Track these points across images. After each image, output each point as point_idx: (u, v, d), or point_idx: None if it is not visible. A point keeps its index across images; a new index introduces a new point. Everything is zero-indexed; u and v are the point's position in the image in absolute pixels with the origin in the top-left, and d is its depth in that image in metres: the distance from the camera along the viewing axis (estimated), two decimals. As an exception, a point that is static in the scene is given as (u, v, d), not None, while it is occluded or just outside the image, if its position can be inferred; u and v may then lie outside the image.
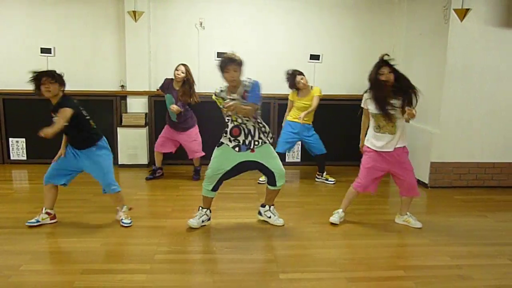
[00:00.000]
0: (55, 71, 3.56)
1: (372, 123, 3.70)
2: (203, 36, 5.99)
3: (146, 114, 5.87)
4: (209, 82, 5.54)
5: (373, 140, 3.69)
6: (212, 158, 3.65)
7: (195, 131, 5.15)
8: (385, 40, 6.12)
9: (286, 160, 6.05)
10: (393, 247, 3.43)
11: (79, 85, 5.89)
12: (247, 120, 3.51)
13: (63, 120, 3.34)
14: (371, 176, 3.74)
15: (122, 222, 3.72)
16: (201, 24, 5.93)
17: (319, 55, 6.09)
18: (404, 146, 3.72)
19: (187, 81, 5.00)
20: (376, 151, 3.68)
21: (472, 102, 4.97)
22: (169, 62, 5.97)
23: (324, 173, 5.37)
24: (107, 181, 3.67)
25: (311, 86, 5.18)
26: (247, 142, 3.52)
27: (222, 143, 3.60)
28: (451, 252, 3.33)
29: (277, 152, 5.02)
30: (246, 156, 3.57)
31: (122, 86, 5.95)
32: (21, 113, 5.86)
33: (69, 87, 5.88)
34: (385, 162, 3.70)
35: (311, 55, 6.08)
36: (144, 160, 5.87)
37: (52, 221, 3.76)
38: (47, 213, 3.72)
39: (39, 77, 3.45)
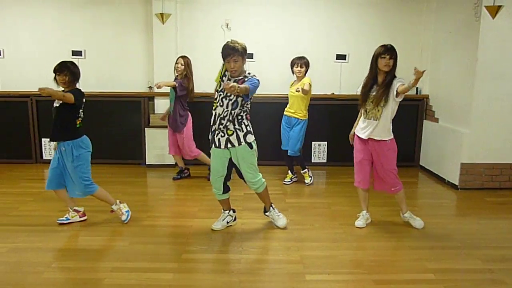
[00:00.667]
0: (69, 64, 3.65)
1: (362, 110, 3.73)
2: (229, 37, 5.98)
3: (173, 114, 5.95)
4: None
5: (360, 124, 3.73)
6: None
7: (186, 132, 5.15)
8: (413, 38, 6.02)
9: (312, 161, 6.02)
10: (422, 250, 3.36)
11: (108, 86, 6.04)
12: (225, 115, 3.42)
13: (63, 96, 3.43)
14: (363, 169, 3.74)
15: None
16: (227, 25, 5.97)
17: (345, 55, 6.03)
18: (388, 142, 3.65)
19: (186, 75, 5.04)
20: (360, 138, 3.69)
21: (504, 100, 4.82)
22: (195, 63, 6.03)
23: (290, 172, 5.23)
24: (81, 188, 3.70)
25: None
26: (218, 134, 3.46)
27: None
28: (482, 256, 3.24)
29: (285, 150, 5.03)
30: (227, 153, 3.52)
31: (150, 87, 6.05)
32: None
33: (98, 88, 6.11)
34: (368, 151, 3.69)
35: (337, 55, 6.03)
36: (171, 160, 5.94)
37: (82, 218, 3.85)
38: (74, 210, 3.82)
39: (54, 69, 3.59)
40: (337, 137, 5.99)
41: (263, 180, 3.65)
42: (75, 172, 3.60)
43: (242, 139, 3.44)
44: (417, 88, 6.06)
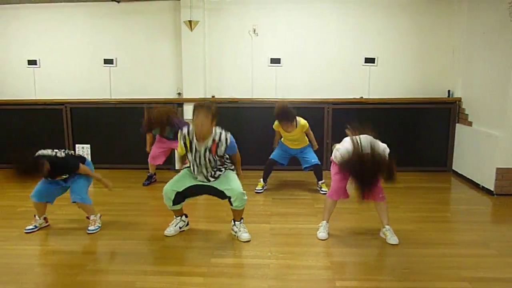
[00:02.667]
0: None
1: None
2: (257, 43, 6.06)
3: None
4: (262, 88, 5.62)
5: None
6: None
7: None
8: (444, 40, 5.89)
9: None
10: (456, 257, 3.26)
11: (139, 93, 6.17)
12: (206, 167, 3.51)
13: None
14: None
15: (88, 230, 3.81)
16: (254, 31, 6.01)
17: (374, 58, 5.96)
18: None
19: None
20: None
21: (542, 103, 4.65)
22: (223, 69, 6.11)
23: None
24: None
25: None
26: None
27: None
28: (521, 264, 3.12)
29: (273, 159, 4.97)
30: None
31: (179, 93, 6.15)
32: (86, 121, 6.22)
33: (129, 95, 6.25)
34: None
35: (365, 58, 5.97)
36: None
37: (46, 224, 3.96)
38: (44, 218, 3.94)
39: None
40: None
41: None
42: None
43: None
44: (449, 91, 5.93)
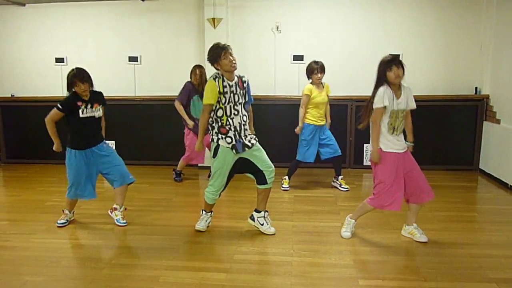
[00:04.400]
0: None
1: (385, 125, 3.34)
2: (280, 40, 6.04)
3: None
4: (284, 85, 5.61)
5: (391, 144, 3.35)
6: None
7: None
8: (472, 36, 5.75)
9: (364, 164, 5.89)
10: (483, 258, 3.19)
11: (162, 91, 6.23)
12: (246, 120, 3.54)
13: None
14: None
15: (118, 221, 3.90)
16: (277, 28, 5.99)
17: (398, 55, 5.84)
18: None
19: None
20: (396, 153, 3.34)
21: None
22: (246, 66, 6.10)
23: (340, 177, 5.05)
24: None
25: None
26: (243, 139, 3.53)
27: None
28: (552, 266, 3.03)
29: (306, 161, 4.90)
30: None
31: (202, 90, 6.18)
32: (112, 118, 6.30)
33: (153, 92, 6.33)
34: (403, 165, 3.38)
35: (390, 55, 5.85)
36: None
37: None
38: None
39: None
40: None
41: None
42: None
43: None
44: (476, 88, 5.79)
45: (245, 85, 3.53)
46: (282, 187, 4.98)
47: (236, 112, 3.44)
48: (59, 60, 6.44)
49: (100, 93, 3.88)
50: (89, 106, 3.74)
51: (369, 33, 5.91)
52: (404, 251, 3.34)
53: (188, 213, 4.12)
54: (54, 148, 3.80)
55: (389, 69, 3.30)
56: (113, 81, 6.38)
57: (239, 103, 3.46)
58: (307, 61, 5.92)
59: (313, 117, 4.78)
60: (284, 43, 6.02)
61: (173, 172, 5.52)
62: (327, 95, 4.82)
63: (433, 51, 5.86)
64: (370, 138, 3.37)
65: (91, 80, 3.76)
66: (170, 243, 3.54)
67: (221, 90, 3.36)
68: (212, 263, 3.15)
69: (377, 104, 3.28)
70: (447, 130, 5.82)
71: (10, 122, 6.53)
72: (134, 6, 6.20)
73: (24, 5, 6.36)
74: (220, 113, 3.42)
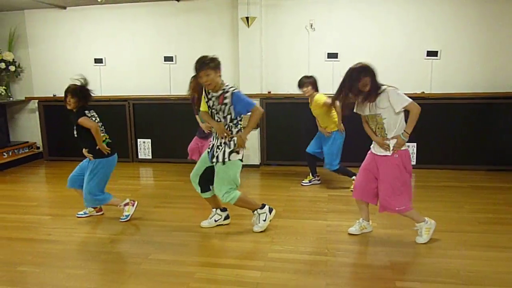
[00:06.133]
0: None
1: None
2: (314, 38, 5.99)
3: (257, 116, 6.06)
4: (319, 83, 5.52)
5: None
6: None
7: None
8: (515, 32, 5.52)
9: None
10: (528, 262, 3.07)
11: (197, 90, 6.30)
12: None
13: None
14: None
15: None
16: (311, 25, 5.95)
17: (437, 51, 5.71)
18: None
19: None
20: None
21: None
22: (279, 65, 6.11)
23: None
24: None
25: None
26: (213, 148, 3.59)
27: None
28: None
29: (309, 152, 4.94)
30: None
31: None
32: (148, 116, 6.47)
33: (185, 91, 6.40)
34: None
35: (427, 51, 5.72)
36: (256, 161, 6.06)
37: (99, 213, 4.20)
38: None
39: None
40: (427, 138, 5.70)
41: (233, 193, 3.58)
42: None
43: (226, 157, 3.51)
44: (520, 85, 5.55)
45: (226, 101, 3.44)
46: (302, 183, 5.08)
47: (217, 119, 3.53)
48: (98, 60, 6.63)
49: (75, 113, 3.87)
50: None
51: (406, 29, 5.77)
52: (442, 253, 3.25)
53: (222, 211, 4.17)
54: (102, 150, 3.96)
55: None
56: (149, 81, 6.52)
57: (217, 116, 3.50)
58: (341, 59, 5.87)
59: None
60: (318, 41, 5.97)
61: None
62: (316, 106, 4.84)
63: (473, 48, 5.66)
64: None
65: (76, 95, 3.80)
66: (205, 240, 3.59)
67: (205, 96, 3.55)
68: (247, 260, 3.17)
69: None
70: (488, 129, 5.61)
71: (52, 121, 6.79)
72: (170, 6, 6.30)
73: (64, 8, 6.59)
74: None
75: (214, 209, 3.89)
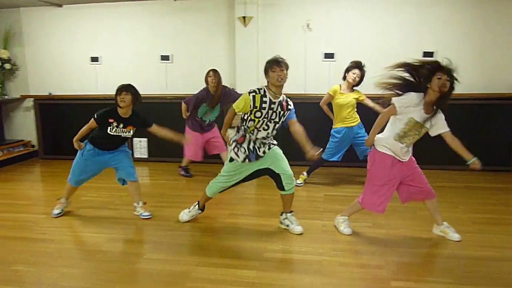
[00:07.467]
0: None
1: (394, 129, 3.34)
2: (310, 38, 5.99)
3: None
4: (315, 83, 5.57)
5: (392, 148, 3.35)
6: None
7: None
8: (511, 32, 5.53)
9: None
10: (522, 262, 3.08)
11: (193, 89, 6.29)
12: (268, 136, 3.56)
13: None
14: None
15: (142, 215, 4.02)
16: (308, 25, 5.95)
17: (432, 52, 5.72)
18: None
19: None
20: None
21: None
22: (276, 64, 6.09)
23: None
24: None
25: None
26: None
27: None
28: None
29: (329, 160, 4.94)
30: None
31: (232, 88, 6.21)
32: (144, 115, 6.43)
33: (185, 91, 6.40)
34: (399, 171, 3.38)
35: (424, 52, 5.73)
36: (252, 160, 6.06)
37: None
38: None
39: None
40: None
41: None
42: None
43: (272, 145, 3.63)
44: (515, 86, 5.58)
45: (289, 107, 3.55)
46: (297, 183, 4.97)
47: (265, 127, 3.48)
48: (94, 59, 6.61)
49: (143, 117, 4.04)
50: (121, 126, 3.90)
51: (402, 30, 5.78)
52: (438, 253, 3.27)
53: (219, 210, 4.16)
54: (74, 144, 4.08)
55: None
56: (146, 79, 6.49)
57: (274, 122, 3.48)
58: (338, 59, 5.88)
59: (347, 113, 4.85)
60: (314, 41, 5.97)
61: (180, 168, 5.64)
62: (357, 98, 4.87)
63: (470, 49, 5.68)
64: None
65: (135, 98, 3.95)
66: (199, 239, 3.59)
67: (257, 105, 3.38)
68: (242, 260, 3.17)
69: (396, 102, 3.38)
70: (483, 129, 5.64)
71: (48, 119, 6.76)
72: (166, 5, 6.29)
73: (61, 6, 6.56)
74: (250, 123, 3.46)
75: (201, 211, 3.97)
